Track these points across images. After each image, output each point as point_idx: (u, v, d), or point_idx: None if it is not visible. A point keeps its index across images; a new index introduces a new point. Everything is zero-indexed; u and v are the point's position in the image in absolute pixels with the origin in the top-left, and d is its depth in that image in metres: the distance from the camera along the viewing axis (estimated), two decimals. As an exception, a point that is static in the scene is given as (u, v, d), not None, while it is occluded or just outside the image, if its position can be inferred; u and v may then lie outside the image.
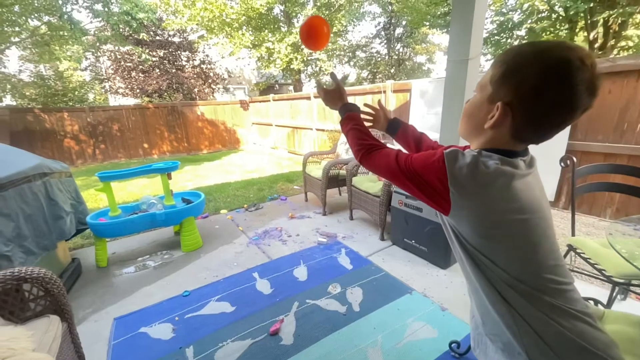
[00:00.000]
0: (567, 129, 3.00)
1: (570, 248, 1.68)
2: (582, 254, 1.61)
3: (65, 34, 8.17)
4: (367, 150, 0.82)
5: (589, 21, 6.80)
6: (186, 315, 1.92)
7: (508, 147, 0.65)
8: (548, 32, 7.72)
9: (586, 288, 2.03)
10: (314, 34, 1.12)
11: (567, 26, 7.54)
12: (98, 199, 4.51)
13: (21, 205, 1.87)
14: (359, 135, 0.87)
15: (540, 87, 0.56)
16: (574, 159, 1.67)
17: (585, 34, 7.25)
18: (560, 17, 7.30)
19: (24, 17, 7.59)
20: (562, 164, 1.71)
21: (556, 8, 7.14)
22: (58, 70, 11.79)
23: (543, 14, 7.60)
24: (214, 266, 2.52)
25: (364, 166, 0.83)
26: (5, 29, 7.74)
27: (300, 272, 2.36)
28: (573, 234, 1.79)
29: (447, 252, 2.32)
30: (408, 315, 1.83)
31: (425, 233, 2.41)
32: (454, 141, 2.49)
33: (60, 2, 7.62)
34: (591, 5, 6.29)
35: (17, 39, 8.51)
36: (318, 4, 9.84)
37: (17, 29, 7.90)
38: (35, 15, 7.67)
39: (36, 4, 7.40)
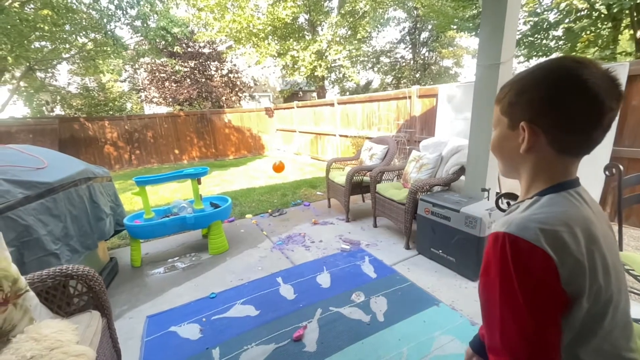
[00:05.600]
0: (612, 135, 2.78)
1: (618, 264, 1.54)
2: (632, 272, 1.47)
3: (109, 49, 8.91)
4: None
5: (635, 18, 6.30)
6: (213, 317, 1.98)
7: (562, 173, 0.59)
8: (588, 32, 7.22)
9: (638, 310, 1.85)
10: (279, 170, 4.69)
11: (609, 24, 7.03)
12: (133, 202, 4.80)
13: (69, 207, 2.03)
14: None
15: (551, 94, 0.55)
16: (621, 167, 1.54)
17: (632, 32, 6.72)
18: (602, 15, 6.83)
19: (73, 35, 8.37)
20: (607, 172, 1.59)
21: (597, 6, 6.68)
22: (101, 82, 12.82)
23: (582, 13, 7.14)
24: (239, 269, 2.58)
25: None
26: (58, 46, 8.57)
27: (324, 279, 2.36)
28: (621, 249, 1.64)
29: (477, 263, 2.21)
30: (435, 328, 1.77)
31: (453, 243, 2.32)
32: (484, 146, 2.39)
33: (105, 20, 8.31)
34: (638, 1, 5.83)
35: (67, 55, 9.38)
36: (342, 11, 9.95)
37: (67, 45, 8.72)
38: (83, 33, 8.42)
39: (84, 23, 8.13)
